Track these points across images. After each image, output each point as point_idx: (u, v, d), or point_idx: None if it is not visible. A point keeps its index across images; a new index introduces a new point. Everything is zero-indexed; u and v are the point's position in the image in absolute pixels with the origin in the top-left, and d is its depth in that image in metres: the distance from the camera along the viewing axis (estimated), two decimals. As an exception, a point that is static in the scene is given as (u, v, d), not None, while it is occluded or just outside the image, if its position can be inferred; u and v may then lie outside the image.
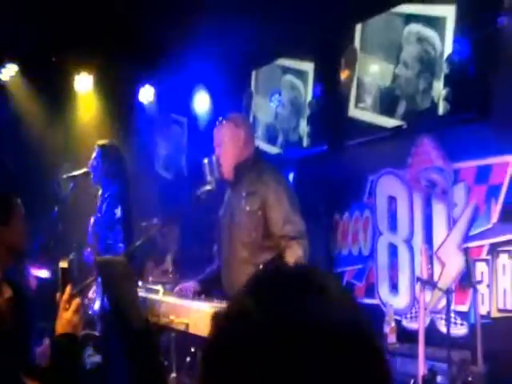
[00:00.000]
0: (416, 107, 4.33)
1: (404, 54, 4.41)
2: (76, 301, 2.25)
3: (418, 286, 3.95)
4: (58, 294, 2.25)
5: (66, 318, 2.21)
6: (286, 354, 0.72)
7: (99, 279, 4.14)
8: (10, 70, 5.80)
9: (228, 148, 3.49)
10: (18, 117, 6.13)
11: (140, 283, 4.56)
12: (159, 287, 4.26)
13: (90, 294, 4.75)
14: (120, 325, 3.27)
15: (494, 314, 3.86)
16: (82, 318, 2.28)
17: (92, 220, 4.99)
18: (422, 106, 4.25)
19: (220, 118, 3.64)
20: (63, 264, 2.32)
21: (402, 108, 4.44)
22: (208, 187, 3.53)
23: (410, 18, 4.34)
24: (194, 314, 3.07)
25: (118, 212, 4.74)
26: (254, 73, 5.79)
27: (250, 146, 3.55)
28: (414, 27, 4.29)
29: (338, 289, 0.81)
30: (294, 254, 3.26)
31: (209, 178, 3.53)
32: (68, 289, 2.23)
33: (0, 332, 1.86)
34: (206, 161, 3.59)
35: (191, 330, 3.06)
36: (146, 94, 6.27)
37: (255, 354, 0.72)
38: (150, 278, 5.08)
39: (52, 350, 2.21)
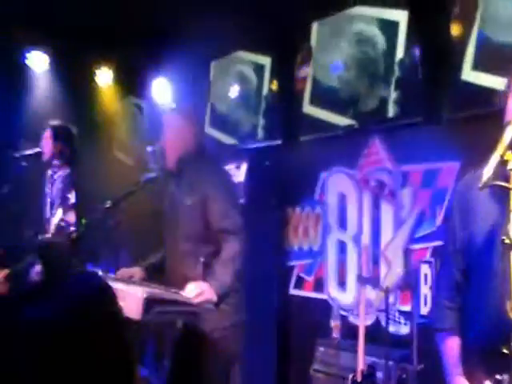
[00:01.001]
0: (365, 108, 4.36)
1: (349, 55, 4.43)
2: (4, 271, 2.22)
3: (358, 284, 4.01)
4: None
5: None
6: None
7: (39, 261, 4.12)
8: None
9: (174, 140, 3.45)
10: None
11: (90, 267, 4.53)
12: (99, 271, 4.24)
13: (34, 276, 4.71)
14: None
15: (436, 314, 3.91)
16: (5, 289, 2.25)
17: (45, 202, 4.94)
18: (372, 107, 4.28)
19: (170, 108, 3.62)
20: None
21: (352, 108, 4.46)
22: (151, 175, 3.52)
23: (361, 20, 4.35)
24: (128, 298, 3.06)
25: (72, 196, 4.68)
26: (213, 63, 5.76)
27: (197, 139, 3.51)
28: (363, 29, 4.30)
29: None
30: (231, 249, 3.26)
31: (152, 165, 3.52)
32: None
33: None
34: (149, 149, 3.56)
35: (126, 314, 3.05)
36: (104, 77, 6.19)
37: None
38: (103, 260, 5.05)
39: None
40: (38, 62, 5.85)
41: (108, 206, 4.68)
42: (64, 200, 4.64)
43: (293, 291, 5.05)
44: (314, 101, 4.79)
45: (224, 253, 3.26)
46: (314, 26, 4.67)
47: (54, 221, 4.41)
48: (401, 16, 3.95)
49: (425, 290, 3.99)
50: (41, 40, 5.53)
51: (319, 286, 4.82)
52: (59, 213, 4.40)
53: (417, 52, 3.79)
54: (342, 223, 4.65)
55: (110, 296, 1.05)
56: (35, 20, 4.91)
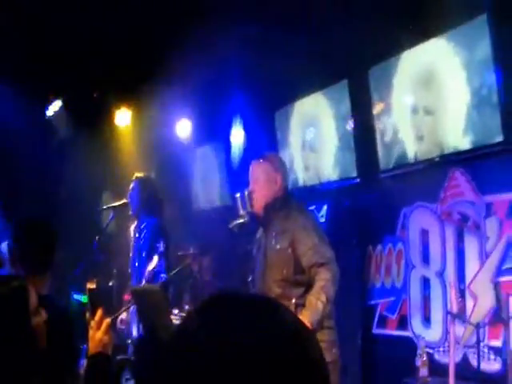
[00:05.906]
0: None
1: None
2: (106, 321, 2.31)
3: (449, 320, 3.94)
4: (87, 315, 2.32)
5: (97, 338, 2.28)
6: (223, 374, 0.74)
7: (135, 307, 4.26)
8: (55, 106, 6.07)
9: (263, 188, 3.57)
10: (61, 149, 6.36)
11: (176, 312, 4.65)
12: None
13: (124, 318, 4.85)
14: (153, 352, 3.36)
15: (529, 349, 3.80)
16: (112, 338, 2.34)
17: (132, 251, 5.09)
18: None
19: (258, 157, 3.71)
20: (91, 285, 2.39)
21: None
22: (240, 220, 3.62)
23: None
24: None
25: (161, 244, 4.81)
26: (285, 109, 5.84)
27: (283, 187, 3.63)
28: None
29: (283, 317, 0.81)
30: (323, 278, 3.31)
31: (241, 211, 3.61)
32: (99, 310, 2.29)
33: (36, 352, 1.95)
34: (238, 195, 3.66)
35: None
36: (183, 128, 6.43)
37: (196, 373, 0.74)
38: (187, 307, 5.16)
39: (85, 370, 2.29)
40: (121, 118, 6.17)
41: (193, 252, 4.82)
42: (153, 248, 4.80)
43: (376, 330, 5.02)
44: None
45: (316, 284, 3.32)
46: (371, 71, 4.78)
47: (149, 268, 4.56)
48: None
49: (515, 323, 3.89)
50: (125, 98, 5.85)
51: (403, 324, 4.77)
52: (154, 260, 4.56)
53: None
54: (425, 259, 4.62)
55: None
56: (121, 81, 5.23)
